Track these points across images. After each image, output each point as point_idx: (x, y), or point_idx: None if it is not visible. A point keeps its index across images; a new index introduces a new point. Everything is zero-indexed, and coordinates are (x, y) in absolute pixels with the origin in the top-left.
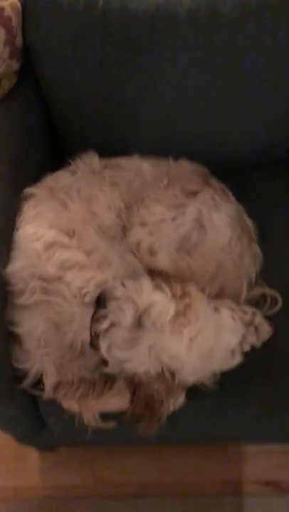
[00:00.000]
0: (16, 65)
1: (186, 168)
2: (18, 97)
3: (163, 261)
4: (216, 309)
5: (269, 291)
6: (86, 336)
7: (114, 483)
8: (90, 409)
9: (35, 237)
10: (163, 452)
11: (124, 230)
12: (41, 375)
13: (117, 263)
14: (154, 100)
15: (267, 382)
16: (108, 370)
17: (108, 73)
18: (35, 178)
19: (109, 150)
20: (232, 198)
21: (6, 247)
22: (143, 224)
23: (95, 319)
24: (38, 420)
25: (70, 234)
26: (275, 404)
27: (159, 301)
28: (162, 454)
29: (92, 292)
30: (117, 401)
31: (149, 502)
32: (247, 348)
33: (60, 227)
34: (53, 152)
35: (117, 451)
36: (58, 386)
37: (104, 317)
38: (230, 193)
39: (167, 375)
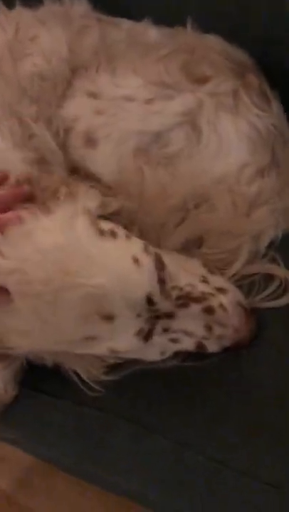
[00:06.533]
0: None
1: (212, 45)
2: None
3: (102, 160)
4: (105, 233)
5: (282, 272)
6: None
7: None
8: None
9: None
10: None
11: (60, 100)
12: None
13: None
14: None
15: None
16: None
17: None
18: None
19: None
20: (275, 109)
21: None
22: (93, 95)
23: None
24: None
25: None
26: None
27: None
28: None
29: None
30: None
31: None
32: (173, 348)
33: None
34: None
35: None
36: None
37: None
38: (275, 102)
39: None
